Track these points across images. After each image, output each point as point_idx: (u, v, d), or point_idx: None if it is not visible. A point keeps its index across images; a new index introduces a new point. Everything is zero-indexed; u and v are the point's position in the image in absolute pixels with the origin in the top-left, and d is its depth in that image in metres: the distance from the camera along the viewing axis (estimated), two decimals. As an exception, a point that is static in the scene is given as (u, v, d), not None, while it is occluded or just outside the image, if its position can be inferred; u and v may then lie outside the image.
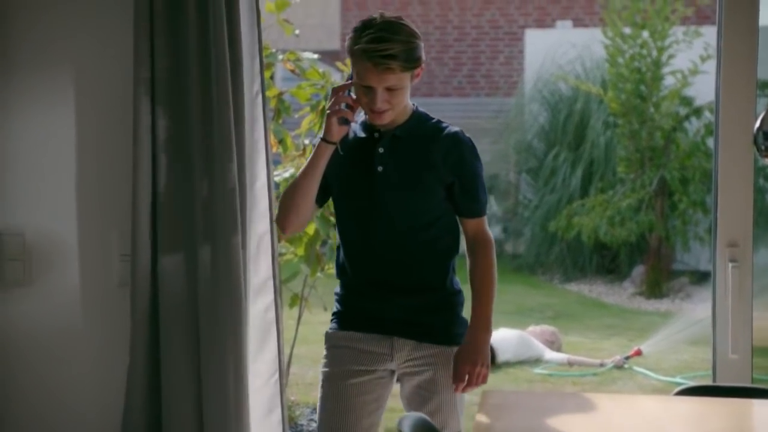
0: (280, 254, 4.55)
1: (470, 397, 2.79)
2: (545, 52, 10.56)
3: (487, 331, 2.65)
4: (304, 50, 4.37)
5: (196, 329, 2.89)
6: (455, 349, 2.64)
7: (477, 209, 2.69)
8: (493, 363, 6.40)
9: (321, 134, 2.68)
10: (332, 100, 2.64)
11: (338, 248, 2.77)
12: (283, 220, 2.72)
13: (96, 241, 3.10)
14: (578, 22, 12.34)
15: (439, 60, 12.92)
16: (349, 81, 2.63)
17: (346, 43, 2.60)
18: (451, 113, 12.19)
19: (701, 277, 9.18)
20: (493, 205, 11.05)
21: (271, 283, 3.02)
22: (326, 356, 2.74)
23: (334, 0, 13.26)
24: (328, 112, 2.64)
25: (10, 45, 3.08)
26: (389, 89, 2.55)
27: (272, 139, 4.35)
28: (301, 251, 4.43)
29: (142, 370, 2.92)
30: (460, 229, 2.72)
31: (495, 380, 6.18)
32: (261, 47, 3.00)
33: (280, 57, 4.24)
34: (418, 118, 2.68)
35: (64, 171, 3.10)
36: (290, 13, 4.25)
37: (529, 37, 11.68)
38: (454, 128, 2.68)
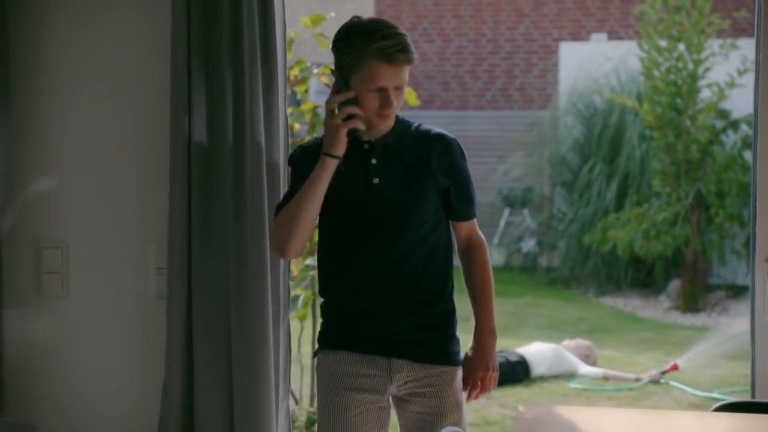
0: (314, 267, 4.57)
1: (504, 411, 2.78)
2: (580, 65, 10.53)
3: (494, 335, 2.62)
4: (339, 64, 4.38)
5: (229, 341, 2.90)
6: (453, 369, 2.59)
7: (471, 212, 2.64)
8: (528, 377, 6.42)
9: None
10: (338, 111, 2.48)
11: (324, 265, 2.62)
12: (285, 245, 2.54)
13: (133, 254, 3.12)
14: (613, 35, 12.29)
15: (472, 73, 12.92)
16: (345, 91, 2.49)
17: (349, 50, 2.47)
18: (485, 126, 12.19)
19: (738, 292, 9.10)
20: (527, 218, 11.01)
21: (288, 300, 3.04)
22: (322, 382, 2.61)
23: (368, 14, 13.31)
24: (335, 123, 2.48)
25: (48, 58, 3.12)
26: (397, 88, 2.48)
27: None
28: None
29: (178, 381, 2.94)
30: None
31: (529, 394, 6.15)
32: (285, 64, 3.02)
33: (315, 71, 4.27)
34: (402, 124, 2.59)
35: (102, 185, 3.13)
36: (325, 27, 4.27)
37: (563, 50, 11.65)
38: (439, 130, 2.61)
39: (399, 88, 2.49)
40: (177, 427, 2.95)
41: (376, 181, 2.53)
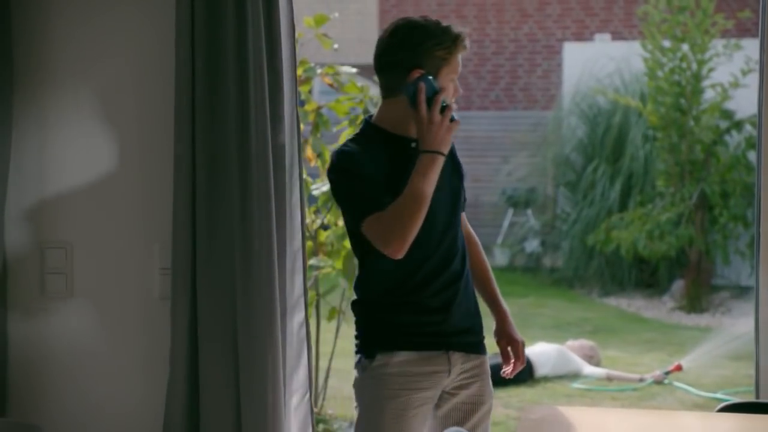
0: (318, 268, 4.57)
1: (507, 411, 2.79)
2: (583, 66, 10.53)
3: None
4: (343, 64, 4.39)
5: (235, 342, 2.90)
6: (486, 357, 2.71)
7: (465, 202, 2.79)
8: (532, 377, 6.42)
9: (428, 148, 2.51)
10: (448, 110, 2.50)
11: (375, 267, 2.59)
12: (405, 245, 2.48)
13: (137, 255, 3.12)
14: (617, 35, 12.29)
15: (476, 73, 12.92)
16: (440, 88, 2.53)
17: (442, 47, 2.56)
18: (489, 127, 12.17)
19: (742, 292, 9.09)
20: (530, 219, 11.00)
21: (302, 300, 3.04)
22: (378, 386, 2.58)
23: (372, 14, 13.31)
24: (449, 124, 2.50)
25: (51, 58, 3.12)
26: None
27: (310, 152, 4.38)
28: (339, 264, 4.43)
29: (182, 382, 2.93)
30: None
31: (533, 395, 6.14)
32: (295, 63, 3.02)
33: (319, 71, 4.27)
34: None
35: (106, 186, 3.14)
36: (329, 27, 4.27)
37: (567, 50, 11.65)
38: None
39: None
40: (181, 428, 2.95)
41: None
